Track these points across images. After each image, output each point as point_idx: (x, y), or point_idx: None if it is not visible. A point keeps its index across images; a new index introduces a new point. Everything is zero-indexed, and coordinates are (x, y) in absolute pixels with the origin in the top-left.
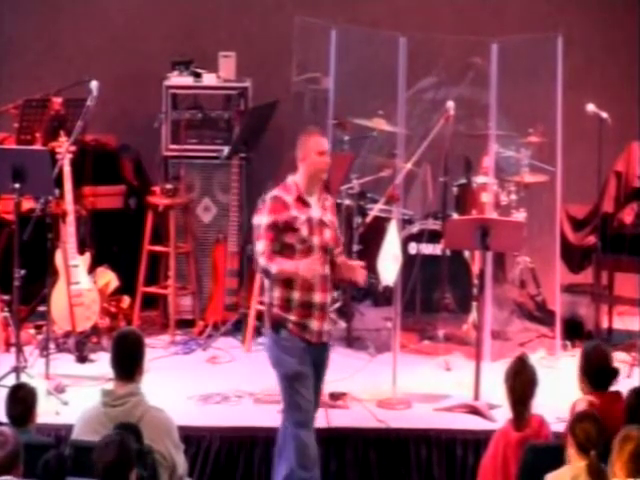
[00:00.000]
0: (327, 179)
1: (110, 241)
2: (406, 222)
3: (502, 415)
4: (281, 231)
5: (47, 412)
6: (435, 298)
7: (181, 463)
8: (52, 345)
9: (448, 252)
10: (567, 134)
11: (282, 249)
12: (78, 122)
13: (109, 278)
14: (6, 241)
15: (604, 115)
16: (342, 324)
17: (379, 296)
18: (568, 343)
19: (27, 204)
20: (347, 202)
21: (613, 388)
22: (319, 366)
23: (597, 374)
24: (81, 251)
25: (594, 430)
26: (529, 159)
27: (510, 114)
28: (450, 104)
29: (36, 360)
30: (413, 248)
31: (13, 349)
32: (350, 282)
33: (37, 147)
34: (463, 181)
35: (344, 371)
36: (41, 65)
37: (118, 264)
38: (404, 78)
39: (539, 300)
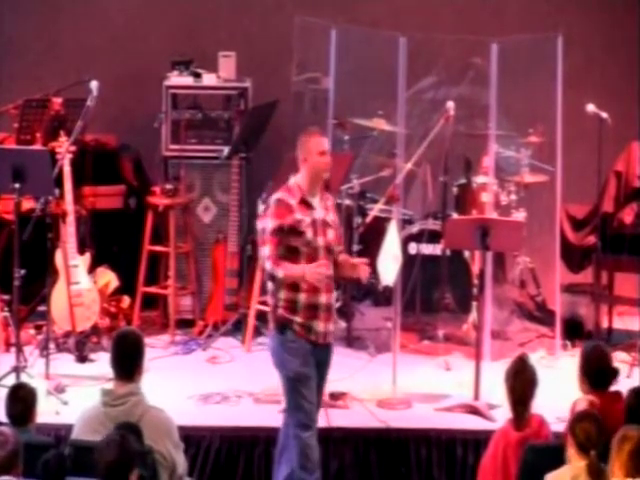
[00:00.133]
0: (327, 179)
1: (110, 241)
2: (406, 222)
3: (502, 415)
4: (286, 235)
5: (47, 412)
6: (435, 298)
7: (181, 463)
8: (52, 345)
9: (448, 252)
10: (567, 134)
11: (287, 253)
12: (78, 122)
13: (109, 278)
14: (6, 241)
15: (604, 115)
16: (342, 324)
17: (379, 296)
18: (568, 343)
19: (27, 204)
20: (347, 202)
21: (613, 388)
22: (322, 366)
23: (597, 374)
24: (81, 251)
25: (594, 430)
26: (529, 159)
27: (510, 114)
28: (450, 104)
29: (36, 360)
30: (413, 248)
31: (13, 349)
32: (353, 280)
33: (37, 147)
34: (463, 181)
35: (344, 371)
36: (41, 65)
37: (118, 264)
38: (404, 78)
39: (539, 300)
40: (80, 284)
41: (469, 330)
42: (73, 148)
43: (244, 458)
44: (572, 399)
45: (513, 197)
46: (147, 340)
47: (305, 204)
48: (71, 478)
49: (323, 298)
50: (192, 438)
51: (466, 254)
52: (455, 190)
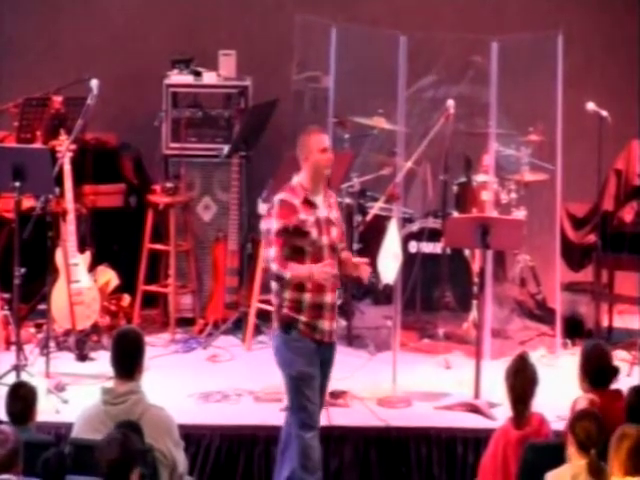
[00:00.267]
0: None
1: (110, 239)
2: (406, 220)
3: (502, 413)
4: (291, 235)
5: (47, 410)
6: (435, 296)
7: (181, 461)
8: (52, 343)
9: (448, 250)
10: (567, 132)
11: (292, 253)
12: (78, 120)
13: (109, 276)
14: (6, 239)
15: (604, 113)
16: (342, 322)
17: (379, 294)
18: (568, 341)
19: (27, 202)
20: (347, 200)
21: (613, 386)
22: (326, 365)
23: (597, 372)
24: (81, 249)
25: (594, 428)
26: (529, 157)
27: (510, 112)
28: (450, 102)
29: (36, 358)
30: (413, 246)
31: (13, 347)
32: (354, 279)
33: (37, 146)
34: (463, 179)
35: (344, 369)
36: (41, 65)
37: (118, 262)
38: (404, 77)
39: (539, 298)
40: (80, 282)
41: (469, 328)
42: (73, 147)
43: (244, 456)
44: (572, 398)
45: (513, 195)
46: (147, 338)
47: (308, 204)
48: (71, 476)
49: (328, 297)
50: (192, 436)
51: (466, 252)
52: (455, 189)
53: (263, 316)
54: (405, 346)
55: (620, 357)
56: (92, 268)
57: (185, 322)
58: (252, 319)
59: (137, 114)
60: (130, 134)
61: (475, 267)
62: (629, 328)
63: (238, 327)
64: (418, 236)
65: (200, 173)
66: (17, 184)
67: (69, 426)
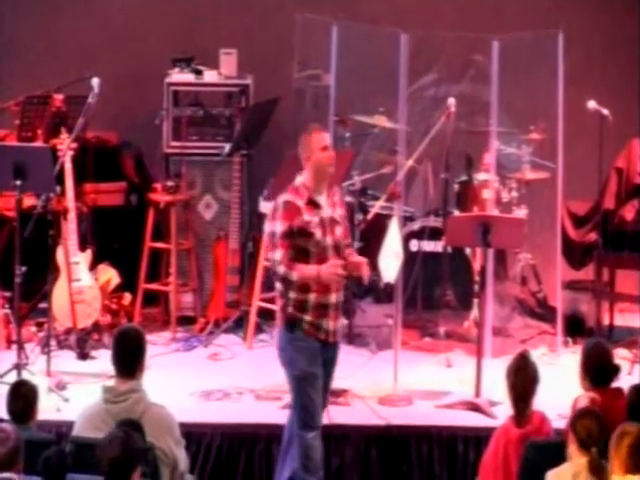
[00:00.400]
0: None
1: (111, 238)
2: (407, 219)
3: (503, 412)
4: (295, 237)
5: (48, 409)
6: (436, 295)
7: (182, 459)
8: (53, 342)
9: (449, 249)
10: (568, 131)
11: (297, 254)
12: (79, 119)
13: (110, 275)
14: (7, 238)
15: (605, 112)
16: (343, 321)
17: (380, 293)
18: (569, 340)
19: (28, 201)
20: (348, 199)
21: (614, 385)
22: (329, 364)
23: (598, 371)
24: (82, 248)
25: (595, 427)
26: (530, 156)
27: (511, 111)
28: (451, 101)
29: (37, 357)
30: (414, 245)
31: (14, 346)
32: (354, 278)
33: (38, 144)
34: (464, 178)
35: (345, 368)
36: (41, 65)
37: (119, 261)
38: (405, 75)
39: (540, 297)
40: (81, 281)
41: (470, 327)
42: (74, 145)
43: (245, 455)
44: (573, 396)
45: (514, 194)
46: (148, 337)
47: (312, 204)
48: (72, 475)
49: (333, 297)
50: (193, 435)
51: (467, 251)
52: (456, 187)
53: (264, 314)
54: (406, 344)
55: (621, 355)
56: (93, 266)
57: (186, 320)
58: (253, 317)
59: (138, 113)
60: (131, 132)
61: (476, 265)
62: (630, 326)
63: (239, 325)
64: (419, 235)
65: (201, 171)
66: (18, 182)
67: (70, 424)
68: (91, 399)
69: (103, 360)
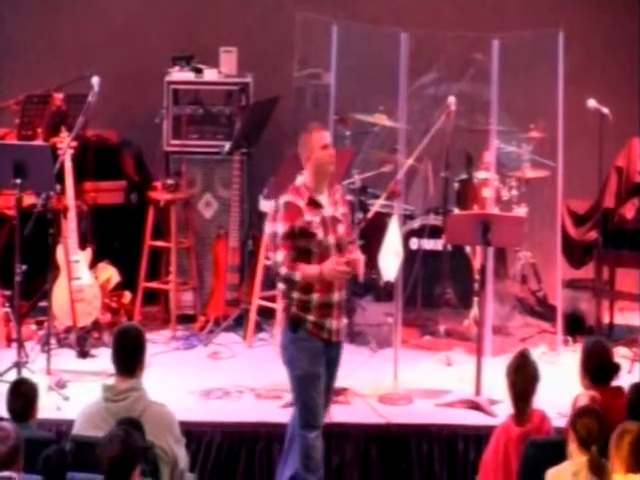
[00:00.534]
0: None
1: (111, 236)
2: (407, 217)
3: (503, 410)
4: (297, 237)
5: (48, 407)
6: (436, 293)
7: (182, 458)
8: (53, 340)
9: (449, 247)
10: (568, 129)
11: (299, 254)
12: (79, 118)
13: (110, 273)
14: (7, 236)
15: (605, 110)
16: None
17: (380, 291)
18: (569, 338)
19: (28, 199)
20: (348, 197)
21: (614, 383)
22: (332, 364)
23: (598, 369)
24: (82, 246)
25: (595, 425)
26: (530, 154)
27: (511, 110)
28: (451, 100)
29: (37, 355)
30: (414, 243)
31: (14, 344)
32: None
33: (38, 143)
34: (464, 176)
35: (345, 366)
36: (42, 64)
37: (119, 259)
38: (405, 74)
39: (540, 295)
40: (81, 279)
41: (470, 325)
42: (74, 144)
43: (245, 453)
44: (573, 394)
45: (514, 192)
46: (148, 335)
47: (313, 204)
48: (72, 473)
49: (335, 296)
50: (193, 433)
51: (467, 249)
52: (456, 185)
53: (264, 313)
54: (406, 343)
55: (621, 354)
56: (93, 265)
57: (186, 319)
58: (253, 316)
59: (138, 111)
60: (131, 131)
61: (476, 264)
62: (630, 325)
63: (239, 324)
64: (419, 233)
65: (201, 170)
66: (18, 181)
67: (70, 423)
68: (91, 397)
69: (103, 358)
